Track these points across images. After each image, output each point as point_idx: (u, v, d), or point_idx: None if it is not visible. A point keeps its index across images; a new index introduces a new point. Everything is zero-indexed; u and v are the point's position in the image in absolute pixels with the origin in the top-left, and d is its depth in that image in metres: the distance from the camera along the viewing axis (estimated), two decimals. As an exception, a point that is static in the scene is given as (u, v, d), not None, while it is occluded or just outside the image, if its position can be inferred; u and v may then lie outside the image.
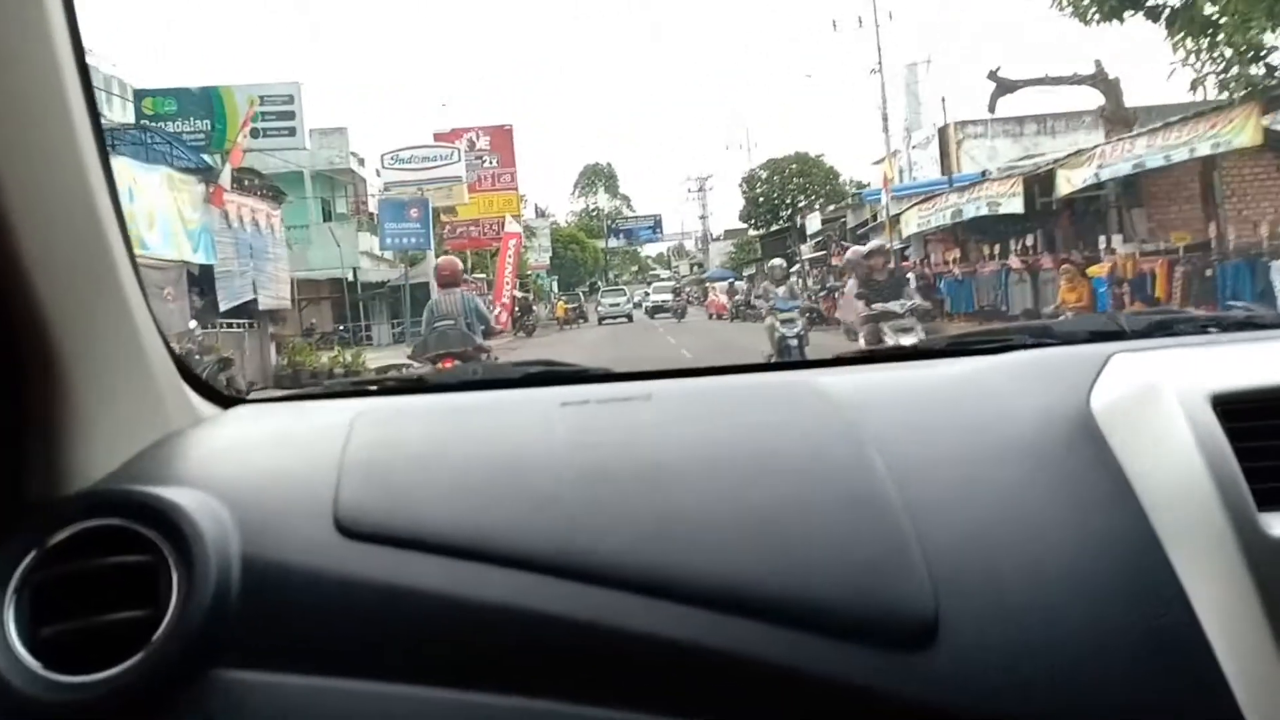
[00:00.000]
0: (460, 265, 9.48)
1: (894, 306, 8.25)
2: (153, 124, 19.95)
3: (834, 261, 33.57)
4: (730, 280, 47.59)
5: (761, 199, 48.87)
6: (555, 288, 60.45)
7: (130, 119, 20.68)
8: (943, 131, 33.43)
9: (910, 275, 11.41)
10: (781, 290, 11.55)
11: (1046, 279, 18.78)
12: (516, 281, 38.16)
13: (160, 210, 14.71)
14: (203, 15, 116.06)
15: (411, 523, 1.07)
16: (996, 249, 21.39)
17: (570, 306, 46.44)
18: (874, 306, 8.31)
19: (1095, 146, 16.18)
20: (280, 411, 1.47)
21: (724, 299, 43.12)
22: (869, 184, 36.66)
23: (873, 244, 9.79)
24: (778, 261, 12.99)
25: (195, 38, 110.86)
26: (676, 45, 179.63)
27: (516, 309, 36.05)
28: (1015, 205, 18.35)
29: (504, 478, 1.14)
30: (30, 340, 1.07)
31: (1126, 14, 13.09)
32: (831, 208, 40.12)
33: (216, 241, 16.74)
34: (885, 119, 33.20)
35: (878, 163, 34.91)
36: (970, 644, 0.97)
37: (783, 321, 11.15)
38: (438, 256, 34.61)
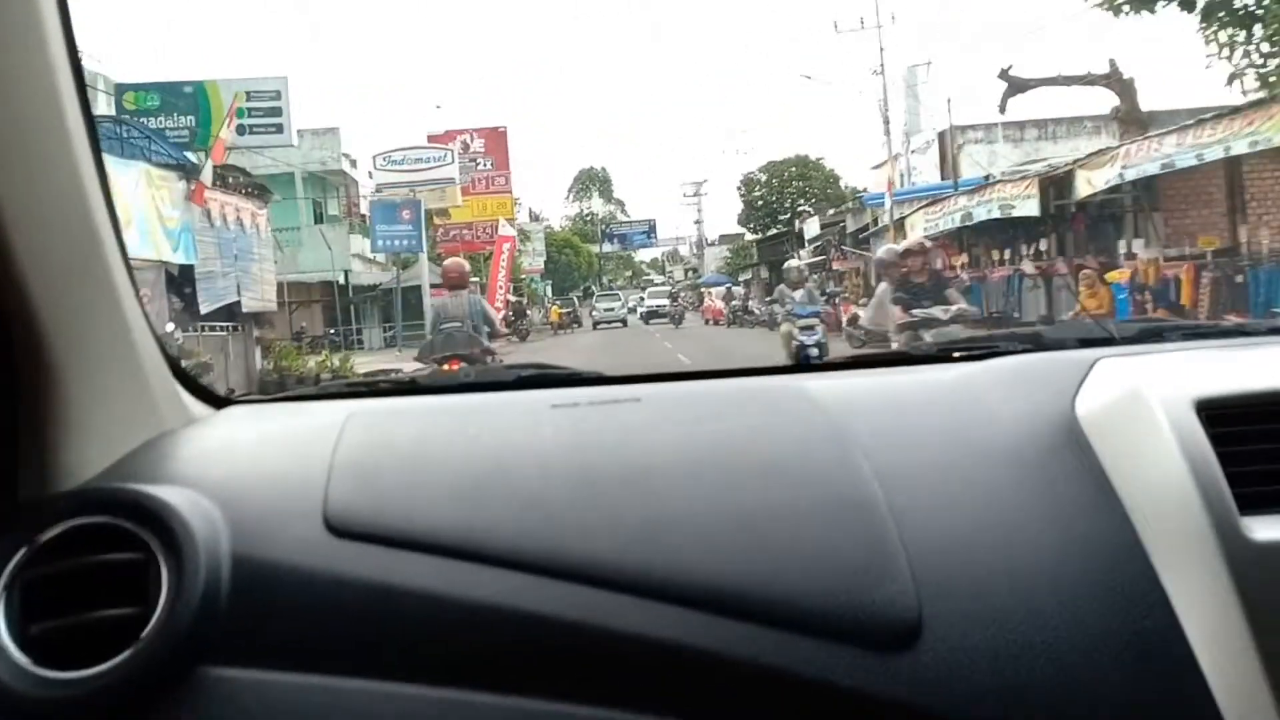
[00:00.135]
0: (468, 267, 9.26)
1: (937, 312, 7.31)
2: (135, 119, 19.19)
3: (834, 266, 33.31)
4: (727, 285, 47.09)
5: (760, 202, 48.19)
6: (549, 292, 60.00)
7: (112, 114, 19.89)
8: (943, 135, 33.34)
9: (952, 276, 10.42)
10: (799, 294, 10.77)
11: (1060, 285, 18.18)
12: (510, 285, 37.62)
13: (137, 208, 13.92)
14: (194, 15, 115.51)
15: (400, 522, 1.07)
16: (1006, 253, 20.74)
17: (564, 311, 46.23)
18: (914, 313, 7.41)
19: (1119, 145, 15.45)
20: (273, 412, 1.48)
21: (720, 304, 42.83)
22: (865, 189, 36.33)
23: (908, 241, 8.70)
24: (794, 263, 12.18)
25: (187, 37, 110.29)
26: (672, 49, 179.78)
27: (510, 313, 35.45)
28: (1030, 207, 17.66)
29: (493, 478, 1.15)
30: (24, 339, 1.10)
31: (1159, 5, 12.41)
32: (831, 212, 39.68)
33: (198, 241, 15.95)
34: (887, 121, 32.89)
35: (878, 167, 34.81)
36: (953, 646, 0.98)
37: (801, 329, 10.42)
38: (430, 259, 34.92)
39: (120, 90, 20.87)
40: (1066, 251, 18.94)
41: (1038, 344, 1.52)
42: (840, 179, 47.59)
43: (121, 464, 1.17)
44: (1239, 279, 13.61)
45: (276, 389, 16.83)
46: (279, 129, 23.17)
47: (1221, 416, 1.09)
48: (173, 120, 20.22)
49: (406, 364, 20.85)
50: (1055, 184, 17.62)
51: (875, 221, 31.37)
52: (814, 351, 10.15)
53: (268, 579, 1.02)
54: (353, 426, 1.25)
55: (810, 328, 10.45)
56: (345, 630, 1.01)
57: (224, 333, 17.31)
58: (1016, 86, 20.79)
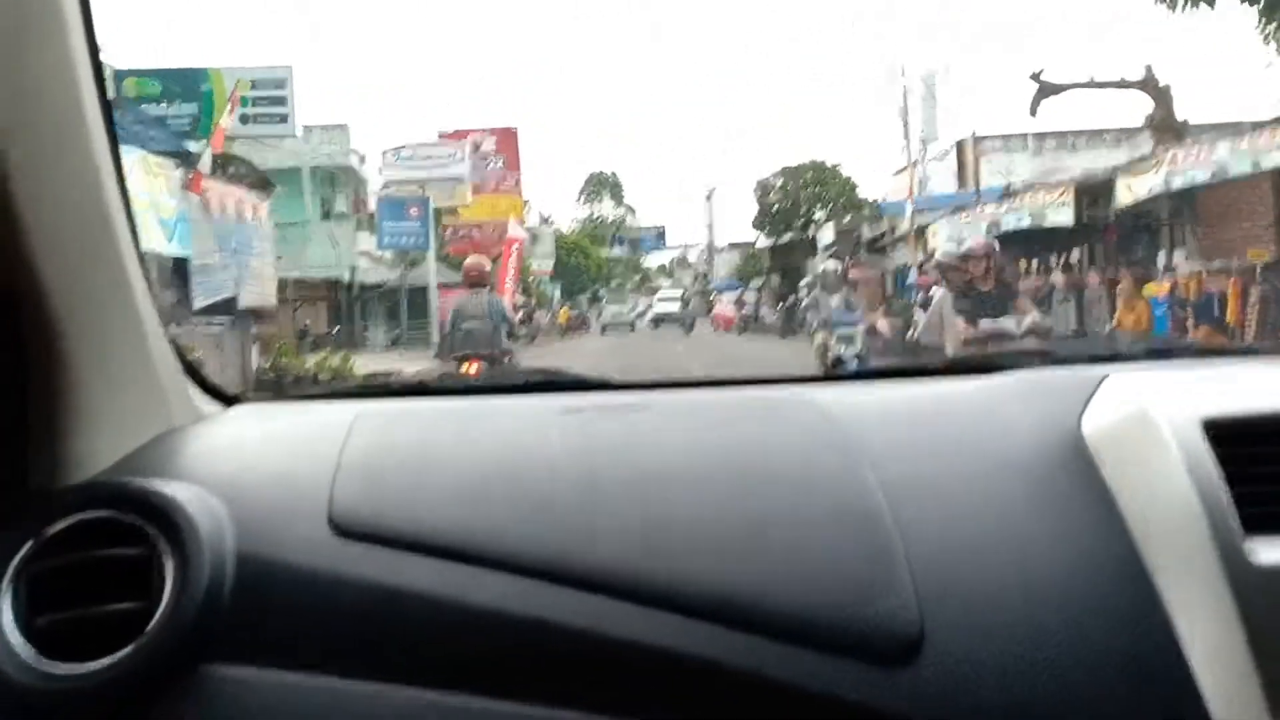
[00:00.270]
0: (488, 266, 9.24)
1: (1008, 325, 6.28)
2: (135, 106, 18.51)
3: (851, 275, 32.46)
4: (739, 291, 46.36)
5: (775, 207, 47.14)
6: (558, 294, 59.46)
7: (112, 100, 19.21)
8: (961, 144, 32.86)
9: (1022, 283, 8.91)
10: (835, 300, 9.82)
11: (1093, 298, 17.41)
12: (519, 287, 36.99)
13: (131, 195, 13.23)
14: (204, 10, 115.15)
15: (405, 523, 1.08)
16: (1035, 264, 19.97)
17: (573, 314, 45.67)
18: (981, 325, 6.37)
19: (1166, 150, 14.62)
20: (282, 411, 1.50)
21: (731, 310, 42.09)
22: (880, 198, 35.72)
23: (971, 242, 7.50)
24: (831, 265, 11.10)
25: (195, 33, 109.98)
26: (685, 53, 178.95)
27: (521, 315, 34.82)
28: (1064, 216, 16.88)
29: (499, 482, 1.16)
30: (37, 333, 1.10)
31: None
32: (846, 219, 38.99)
33: (195, 232, 15.24)
34: (906, 126, 32.33)
35: (899, 172, 34.23)
36: (956, 660, 0.97)
37: (839, 339, 9.48)
38: (438, 259, 34.53)
39: (121, 76, 20.14)
40: (1098, 263, 18.19)
41: (1047, 359, 1.51)
42: (857, 186, 46.60)
43: (130, 459, 1.18)
44: (1292, 295, 12.83)
45: (273, 387, 16.26)
46: (283, 119, 22.49)
47: (1229, 436, 1.07)
48: (174, 108, 19.53)
49: (409, 365, 20.47)
50: (1092, 191, 16.81)
51: (892, 230, 30.82)
52: (853, 365, 8.93)
53: (272, 577, 1.03)
54: (360, 427, 1.25)
55: (849, 339, 9.49)
56: (348, 630, 1.01)
57: (220, 328, 16.63)
58: (1048, 90, 20.02)
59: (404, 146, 34.59)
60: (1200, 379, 1.29)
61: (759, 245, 53.42)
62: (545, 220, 67.40)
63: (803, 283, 40.64)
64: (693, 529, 1.07)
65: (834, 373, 2.03)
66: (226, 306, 16.68)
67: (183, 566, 1.00)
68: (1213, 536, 1.00)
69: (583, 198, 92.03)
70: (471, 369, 8.12)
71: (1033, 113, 20.50)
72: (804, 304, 10.27)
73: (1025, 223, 18.41)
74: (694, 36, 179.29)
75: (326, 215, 33.87)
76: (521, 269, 37.66)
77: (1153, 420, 1.10)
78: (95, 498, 1.05)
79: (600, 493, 1.12)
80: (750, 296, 43.43)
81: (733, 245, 75.64)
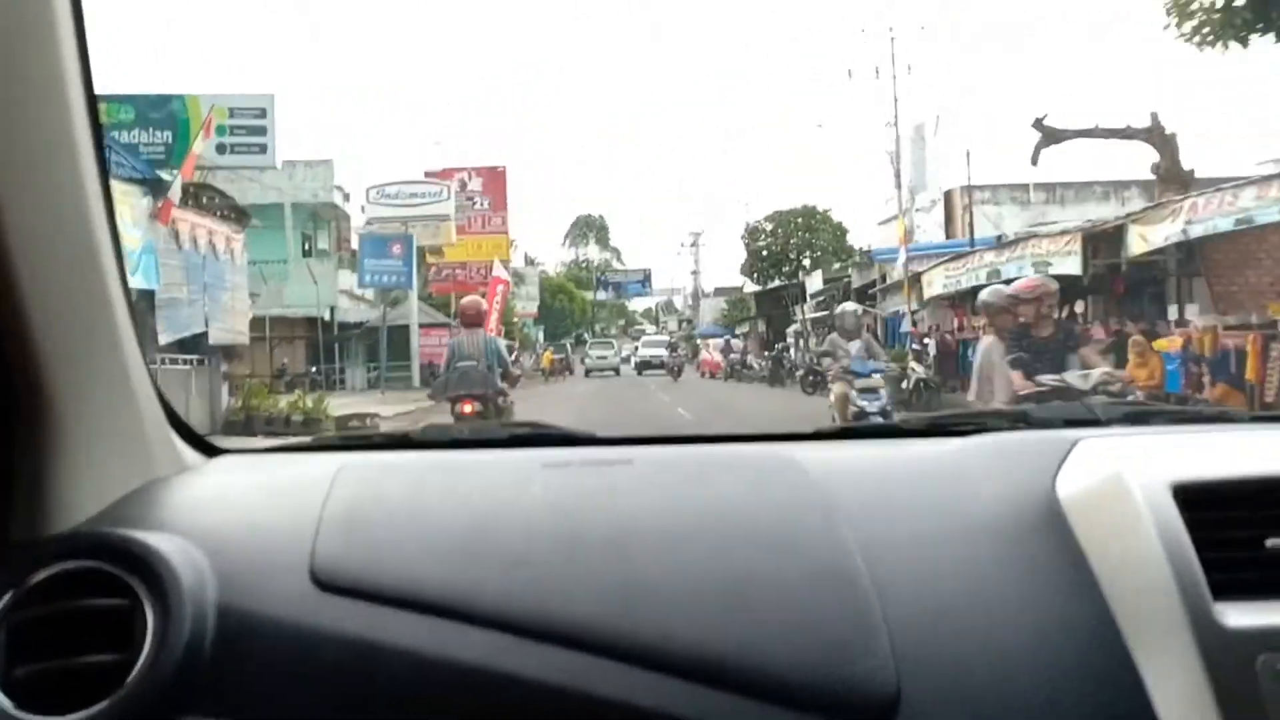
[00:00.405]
0: (484, 305, 9.15)
1: (1074, 380, 5.13)
2: (107, 133, 17.77)
3: (844, 322, 31.88)
4: (726, 337, 45.65)
5: (765, 252, 46.56)
6: (541, 337, 58.82)
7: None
8: (949, 195, 32.72)
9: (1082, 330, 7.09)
10: (855, 346, 8.84)
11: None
12: (502, 329, 36.29)
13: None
14: (192, 45, 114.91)
15: (386, 578, 1.07)
16: (1035, 315, 19.37)
17: (557, 357, 45.02)
18: (1040, 380, 5.22)
19: (1184, 198, 13.96)
20: (265, 462, 1.49)
21: (718, 357, 41.41)
22: (870, 246, 35.42)
23: (1025, 281, 6.21)
24: (850, 307, 10.10)
25: (181, 69, 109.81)
26: (672, 100, 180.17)
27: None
28: (1070, 265, 16.24)
29: (479, 537, 1.14)
30: (21, 381, 1.09)
31: (1255, 35, 11.04)
32: (836, 266, 38.49)
33: (162, 264, 14.45)
34: (898, 174, 32.04)
35: (885, 222, 33.90)
36: None
37: (861, 391, 8.55)
38: (421, 298, 33.83)
39: (94, 102, 19.48)
40: (1100, 316, 17.57)
41: (1025, 422, 1.54)
42: (848, 232, 46.04)
43: (113, 509, 1.17)
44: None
45: (243, 430, 15.53)
46: (262, 149, 21.79)
47: (1198, 501, 1.09)
48: (148, 135, 18.82)
49: (386, 408, 19.69)
50: (1101, 240, 16.20)
51: (884, 278, 30.34)
52: (878, 420, 7.87)
53: (253, 630, 1.02)
54: (343, 480, 1.24)
55: (873, 390, 8.56)
56: (328, 684, 1.00)
57: (188, 366, 15.81)
58: (1051, 137, 19.56)
59: (388, 184, 33.96)
60: (1172, 444, 1.32)
61: (746, 290, 52.86)
62: (531, 262, 67.13)
63: (790, 329, 40.32)
64: (673, 586, 1.07)
65: (820, 431, 1.65)
66: (195, 344, 15.97)
67: (164, 618, 0.99)
68: (1183, 601, 1.02)
69: (568, 240, 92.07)
70: (467, 409, 8.27)
71: (1034, 161, 20.03)
72: (818, 350, 9.09)
73: (1027, 271, 17.77)
74: (682, 81, 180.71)
75: (308, 252, 33.24)
76: (505, 311, 36.96)
77: (1125, 484, 1.13)
78: (77, 548, 1.04)
79: (581, 549, 1.12)
80: (737, 343, 42.69)
81: (718, 290, 75.33)
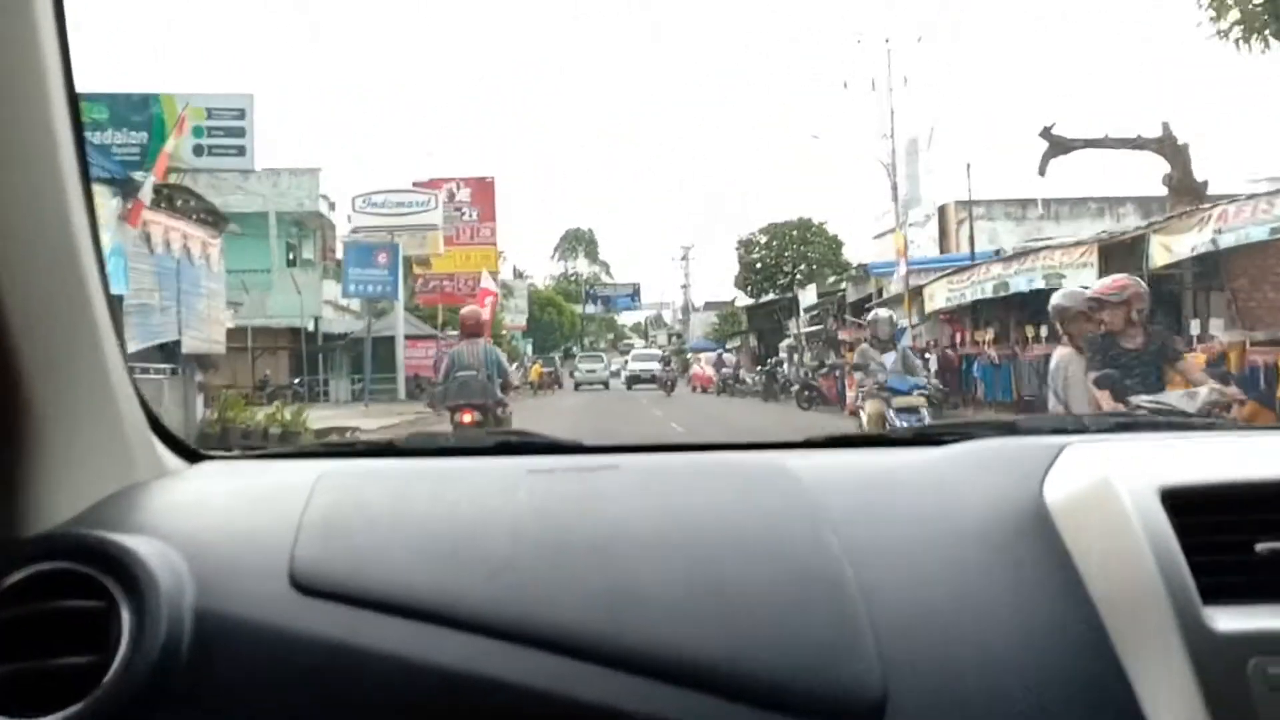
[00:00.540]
0: (485, 315, 8.75)
1: (1177, 401, 4.34)
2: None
3: (842, 336, 31.32)
4: (718, 352, 44.99)
5: (759, 265, 45.88)
6: (530, 350, 58.17)
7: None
8: (943, 209, 32.34)
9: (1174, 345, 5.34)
10: (890, 359, 8.02)
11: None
12: (491, 341, 35.58)
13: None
14: (180, 51, 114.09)
15: (367, 582, 1.06)
16: (1043, 330, 18.71)
17: (545, 371, 44.37)
18: (1135, 402, 4.31)
19: (1213, 205, 13.31)
20: (247, 468, 1.49)
21: (709, 371, 40.77)
22: (862, 263, 34.94)
23: (1109, 281, 5.07)
24: (884, 314, 9.30)
25: (172, 75, 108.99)
26: (662, 112, 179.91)
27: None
28: (1086, 278, 15.55)
29: (462, 542, 1.14)
30: (2, 382, 1.08)
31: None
32: (830, 280, 37.90)
33: (131, 268, 13.65)
34: (894, 187, 31.61)
35: (880, 236, 33.44)
36: None
37: (899, 411, 7.70)
38: (407, 309, 33.10)
39: (67, 100, 18.71)
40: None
41: (1012, 430, 1.53)
42: (843, 245, 45.32)
43: (91, 512, 1.17)
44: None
45: (218, 442, 14.70)
46: (241, 151, 21.09)
47: (1186, 505, 1.08)
48: (123, 135, 18.05)
49: (369, 421, 18.94)
50: (1120, 251, 15.54)
51: (880, 292, 29.82)
52: None
53: (230, 633, 1.02)
54: (324, 485, 1.24)
55: (913, 410, 7.68)
56: (306, 688, 0.99)
57: (161, 376, 15.01)
58: (1060, 147, 18.92)
59: (375, 192, 33.26)
60: (1160, 449, 1.32)
61: (738, 304, 52.25)
62: (519, 274, 66.62)
63: (783, 344, 39.68)
64: (659, 591, 1.06)
65: (809, 439, 1.44)
66: (168, 352, 15.16)
67: (140, 620, 0.99)
68: (1172, 606, 1.01)
69: (557, 253, 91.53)
70: (466, 418, 8.25)
71: (1041, 172, 19.35)
72: (854, 362, 8.11)
73: (1038, 284, 17.13)
74: (673, 94, 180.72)
75: (292, 262, 32.55)
76: (494, 323, 36.23)
77: (1113, 489, 1.12)
78: (54, 549, 1.04)
79: (567, 554, 1.11)
80: (729, 357, 42.05)
81: (708, 304, 74.90)
